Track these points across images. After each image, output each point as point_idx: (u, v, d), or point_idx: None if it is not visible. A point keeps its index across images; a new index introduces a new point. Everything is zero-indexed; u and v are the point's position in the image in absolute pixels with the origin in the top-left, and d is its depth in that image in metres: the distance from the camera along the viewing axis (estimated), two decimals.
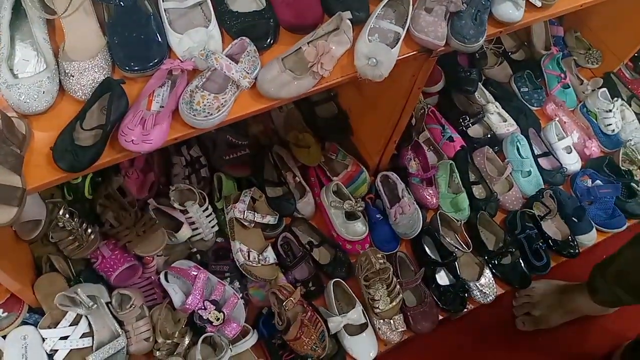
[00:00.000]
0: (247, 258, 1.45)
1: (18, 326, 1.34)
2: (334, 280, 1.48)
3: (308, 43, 1.09)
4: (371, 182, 1.67)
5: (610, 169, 1.78)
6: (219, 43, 1.08)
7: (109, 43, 1.04)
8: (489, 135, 1.80)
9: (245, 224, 1.49)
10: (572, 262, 1.66)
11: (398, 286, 1.45)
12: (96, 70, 1.00)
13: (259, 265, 1.45)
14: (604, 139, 1.87)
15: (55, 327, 1.32)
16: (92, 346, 1.33)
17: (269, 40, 1.11)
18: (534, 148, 1.81)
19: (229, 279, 1.46)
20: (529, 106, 1.91)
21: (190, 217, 1.49)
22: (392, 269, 1.46)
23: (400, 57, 1.15)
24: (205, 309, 1.36)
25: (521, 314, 1.61)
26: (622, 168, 1.79)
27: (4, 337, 1.33)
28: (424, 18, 1.15)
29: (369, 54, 1.09)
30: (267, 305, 1.46)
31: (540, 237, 1.62)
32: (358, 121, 1.65)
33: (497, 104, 1.85)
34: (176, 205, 1.48)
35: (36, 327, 1.33)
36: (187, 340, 1.36)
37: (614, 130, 1.85)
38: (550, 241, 1.64)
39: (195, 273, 1.41)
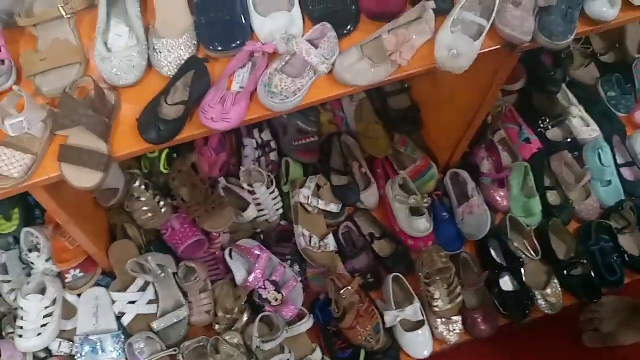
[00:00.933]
0: (308, 243, 1.47)
1: (92, 287, 1.43)
2: (393, 274, 1.46)
3: (389, 31, 1.08)
4: (440, 178, 1.64)
5: None
6: (301, 27, 1.09)
7: (196, 22, 1.08)
8: (569, 140, 1.71)
9: (309, 209, 1.51)
10: None
11: (459, 287, 1.42)
12: (182, 48, 1.04)
13: (320, 251, 1.47)
14: None
15: (124, 292, 1.39)
16: (157, 313, 1.39)
17: (349, 27, 1.11)
18: (617, 157, 1.70)
19: (289, 261, 1.48)
20: (616, 112, 1.80)
21: (257, 199, 1.52)
22: (454, 269, 1.43)
23: (482, 51, 1.12)
24: (265, 288, 1.40)
25: (589, 330, 1.52)
26: None
27: (79, 295, 1.42)
28: (511, 12, 1.10)
29: (451, 46, 1.06)
30: (325, 292, 1.46)
31: (616, 251, 1.53)
32: (431, 115, 1.61)
33: (581, 107, 1.76)
34: (245, 185, 1.52)
35: (107, 289, 1.41)
36: (245, 317, 1.39)
37: None
38: (626, 256, 1.54)
39: (258, 253, 1.44)
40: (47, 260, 1.42)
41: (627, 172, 1.69)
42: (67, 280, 1.42)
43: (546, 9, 1.13)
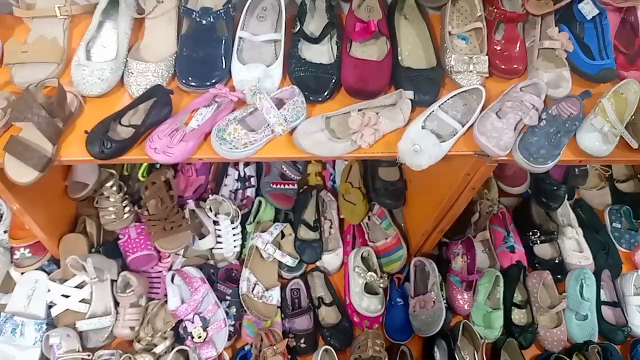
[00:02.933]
0: (251, 290, 1.44)
1: (35, 270, 1.46)
2: (325, 346, 1.41)
3: (358, 110, 1.06)
4: (407, 262, 1.57)
5: None
6: (276, 84, 1.09)
7: (177, 54, 1.10)
8: (556, 261, 1.61)
9: (264, 255, 1.49)
10: None
11: None
12: (155, 75, 1.06)
13: (261, 301, 1.44)
14: None
15: (61, 284, 1.41)
16: (85, 313, 1.40)
17: (324, 94, 1.09)
18: (603, 292, 1.58)
19: (228, 302, 1.46)
20: (616, 245, 1.69)
21: (219, 230, 1.52)
22: (384, 354, 1.36)
23: (453, 153, 1.08)
24: (192, 322, 1.38)
25: None
26: None
27: (22, 273, 1.45)
28: (492, 122, 1.06)
29: (415, 140, 1.03)
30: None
31: None
32: (413, 196, 1.57)
33: (579, 230, 1.65)
34: (210, 214, 1.52)
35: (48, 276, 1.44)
36: (167, 344, 1.37)
37: None
38: None
39: (198, 285, 1.43)
40: (4, 232, 1.47)
41: (608, 312, 1.57)
42: (15, 257, 1.46)
43: (531, 128, 1.08)
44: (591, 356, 1.46)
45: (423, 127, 1.05)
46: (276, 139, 1.06)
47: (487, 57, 1.14)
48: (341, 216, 1.65)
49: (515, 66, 1.16)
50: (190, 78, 1.07)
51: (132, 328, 1.40)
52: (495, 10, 1.17)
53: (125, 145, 1.00)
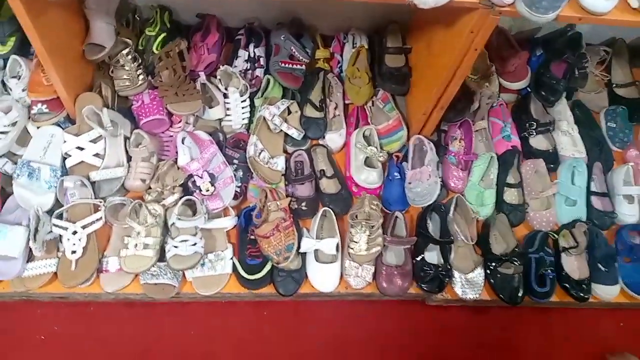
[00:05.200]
0: (257, 154, 1.51)
1: (51, 125, 1.52)
2: (324, 208, 1.48)
3: None
4: (407, 143, 1.64)
5: None
6: None
7: None
8: (550, 151, 1.68)
9: (271, 126, 1.55)
10: (582, 312, 1.53)
11: (380, 238, 1.42)
12: None
13: (266, 165, 1.51)
14: None
15: (77, 137, 1.48)
16: (99, 167, 1.47)
17: None
18: (594, 183, 1.65)
19: (235, 166, 1.52)
20: (610, 144, 1.75)
21: (228, 102, 1.58)
22: (381, 219, 1.43)
23: (459, 3, 1.13)
24: (201, 177, 1.45)
25: None
26: None
27: (39, 127, 1.51)
28: None
29: None
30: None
31: (553, 266, 1.49)
32: (416, 82, 1.62)
33: (575, 126, 1.71)
34: (220, 85, 1.58)
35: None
36: (175, 197, 1.44)
37: None
38: (562, 275, 1.50)
39: (207, 145, 1.50)
40: (23, 90, 1.52)
41: (597, 201, 1.64)
42: (32, 112, 1.51)
43: None
44: (578, 233, 1.53)
45: None
46: None
47: None
48: (347, 101, 1.70)
49: None
50: None
51: (143, 181, 1.47)
52: None
53: None
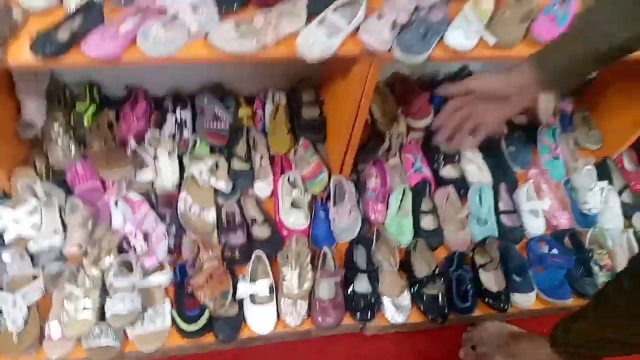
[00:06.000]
0: (188, 209, 1.61)
1: None
2: (257, 251, 1.58)
3: (263, 14, 1.29)
4: (329, 184, 1.78)
5: (573, 242, 1.75)
6: None
7: None
8: (459, 178, 1.85)
9: (200, 182, 1.66)
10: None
11: (311, 273, 1.53)
12: None
13: (197, 219, 1.61)
14: (579, 216, 1.84)
15: (13, 210, 1.54)
16: (36, 237, 1.53)
17: (235, 5, 1.31)
18: (500, 204, 1.82)
19: (168, 222, 1.61)
20: (512, 166, 1.94)
21: (158, 164, 1.69)
22: (309, 255, 1.54)
23: (343, 53, 1.30)
24: (135, 236, 1.53)
25: (467, 346, 1.62)
26: (587, 247, 1.75)
27: None
28: (373, 22, 1.30)
29: (310, 36, 1.26)
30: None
31: (473, 282, 1.62)
32: (331, 130, 1.79)
33: (479, 154, 1.91)
34: (149, 149, 1.69)
35: None
36: (111, 258, 1.51)
37: (590, 209, 1.82)
38: (482, 289, 1.63)
39: (139, 205, 1.59)
40: None
41: (506, 218, 1.80)
42: None
43: (406, 27, 1.32)
44: (491, 249, 1.68)
45: (317, 26, 1.28)
46: (193, 43, 1.26)
47: None
48: (271, 152, 1.84)
49: None
50: None
51: (79, 246, 1.53)
52: None
53: (65, 47, 1.19)
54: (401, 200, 1.75)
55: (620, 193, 1.93)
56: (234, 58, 1.26)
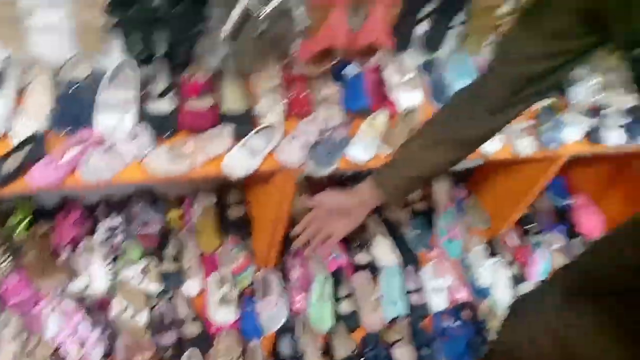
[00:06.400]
0: (120, 313, 1.70)
1: None
2: (191, 349, 1.69)
3: (193, 139, 1.49)
4: (255, 278, 1.94)
5: (471, 315, 2.01)
6: (130, 126, 1.48)
7: (54, 109, 1.45)
8: (371, 263, 2.08)
9: (132, 286, 1.77)
10: None
11: None
12: (33, 127, 1.40)
13: (131, 321, 1.70)
14: (475, 290, 2.12)
15: None
16: None
17: (168, 132, 1.50)
18: (407, 284, 2.06)
19: (102, 327, 1.69)
20: (417, 248, 2.21)
21: (92, 270, 1.78)
22: (240, 349, 1.67)
23: (264, 169, 1.53)
24: (69, 344, 1.59)
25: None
26: (481, 317, 2.02)
27: None
28: (288, 143, 1.54)
29: (234, 158, 1.47)
30: None
31: (388, 359, 1.82)
32: (255, 226, 1.99)
33: (388, 239, 2.16)
34: (81, 258, 1.78)
35: None
36: None
37: (482, 284, 2.11)
38: None
39: (72, 313, 1.66)
40: None
41: (414, 297, 2.04)
42: None
43: (315, 146, 1.57)
44: (401, 328, 1.90)
45: (240, 149, 1.50)
46: (131, 166, 1.43)
47: (285, 102, 1.64)
48: (200, 251, 1.99)
49: (303, 109, 1.67)
50: (62, 127, 1.43)
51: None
52: (290, 73, 1.70)
53: (10, 178, 1.31)
54: (322, 288, 1.94)
55: (510, 265, 2.24)
56: (167, 179, 1.44)
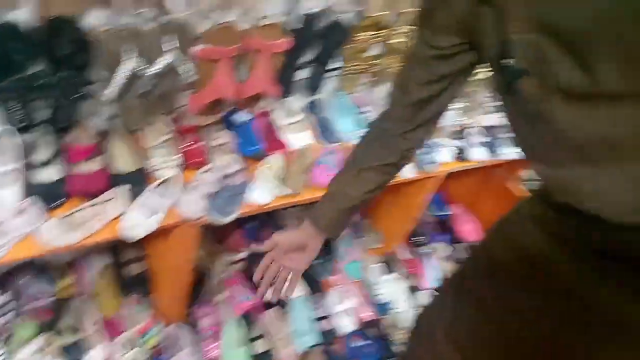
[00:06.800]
0: None
1: None
2: None
3: (87, 206, 1.43)
4: (163, 335, 1.89)
5: (378, 332, 2.14)
6: (15, 200, 1.39)
7: None
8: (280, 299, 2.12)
9: None
10: None
11: None
12: None
13: None
14: (376, 306, 2.26)
15: None
16: None
17: (59, 201, 1.43)
18: (314, 312, 2.14)
19: None
20: (320, 275, 2.30)
21: None
22: None
23: (165, 224, 1.51)
24: None
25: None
26: (387, 332, 2.15)
27: None
28: (188, 196, 1.54)
29: (131, 219, 1.44)
30: None
31: None
32: (157, 281, 1.94)
33: None
34: None
35: None
36: None
37: (383, 299, 2.26)
38: None
39: None
40: None
41: (324, 324, 2.12)
42: None
43: (215, 195, 1.59)
44: (315, 355, 1.96)
45: (137, 208, 1.47)
46: (24, 241, 1.34)
47: (179, 155, 1.64)
48: (101, 316, 1.88)
49: (199, 160, 1.68)
50: None
51: None
52: (181, 125, 1.70)
53: None
54: (234, 333, 1.94)
55: (406, 278, 2.42)
56: (61, 250, 1.37)
